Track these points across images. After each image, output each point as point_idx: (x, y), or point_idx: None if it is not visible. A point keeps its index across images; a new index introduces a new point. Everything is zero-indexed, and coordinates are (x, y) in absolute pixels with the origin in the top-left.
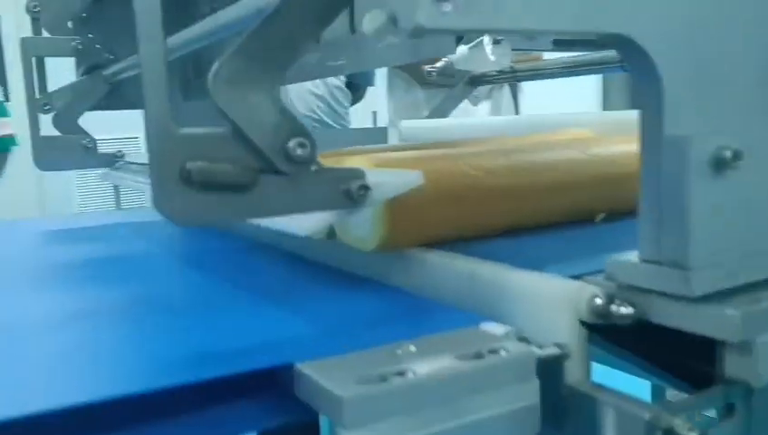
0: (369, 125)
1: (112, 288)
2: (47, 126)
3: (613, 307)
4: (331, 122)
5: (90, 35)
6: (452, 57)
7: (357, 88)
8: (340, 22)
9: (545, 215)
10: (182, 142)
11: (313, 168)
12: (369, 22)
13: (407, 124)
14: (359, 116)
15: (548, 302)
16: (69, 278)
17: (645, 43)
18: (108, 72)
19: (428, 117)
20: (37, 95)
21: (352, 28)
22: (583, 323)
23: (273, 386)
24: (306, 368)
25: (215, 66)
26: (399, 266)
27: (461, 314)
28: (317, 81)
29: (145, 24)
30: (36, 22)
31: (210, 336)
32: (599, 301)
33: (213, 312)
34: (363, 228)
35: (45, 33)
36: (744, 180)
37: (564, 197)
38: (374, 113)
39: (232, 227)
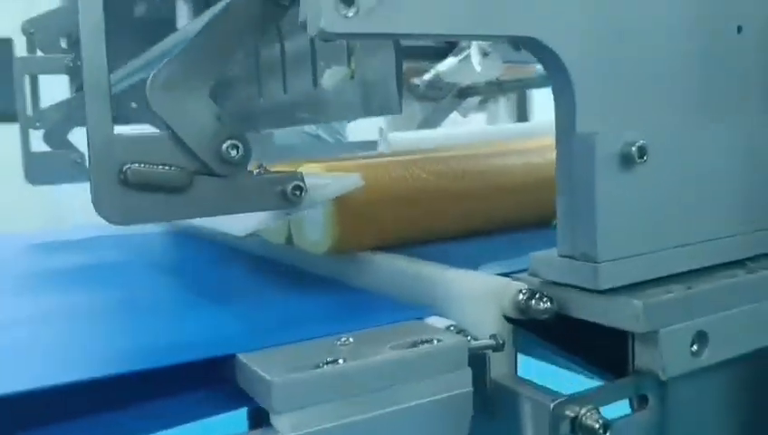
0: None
1: (78, 292)
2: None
3: (532, 302)
4: (326, 137)
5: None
6: (440, 69)
7: None
8: (306, 79)
9: (500, 218)
10: (120, 145)
11: (257, 171)
12: (329, 77)
13: (394, 136)
14: (364, 131)
15: (475, 298)
16: (35, 285)
17: (553, 44)
18: None
19: (417, 129)
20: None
21: (315, 82)
22: (509, 318)
23: (221, 377)
24: (246, 357)
25: (152, 73)
26: (352, 268)
27: (410, 310)
28: None
29: (88, 30)
30: (31, 41)
31: (167, 332)
32: (521, 296)
33: (174, 312)
34: (317, 232)
35: (39, 53)
36: (651, 176)
37: (517, 200)
38: (381, 129)
39: (212, 237)
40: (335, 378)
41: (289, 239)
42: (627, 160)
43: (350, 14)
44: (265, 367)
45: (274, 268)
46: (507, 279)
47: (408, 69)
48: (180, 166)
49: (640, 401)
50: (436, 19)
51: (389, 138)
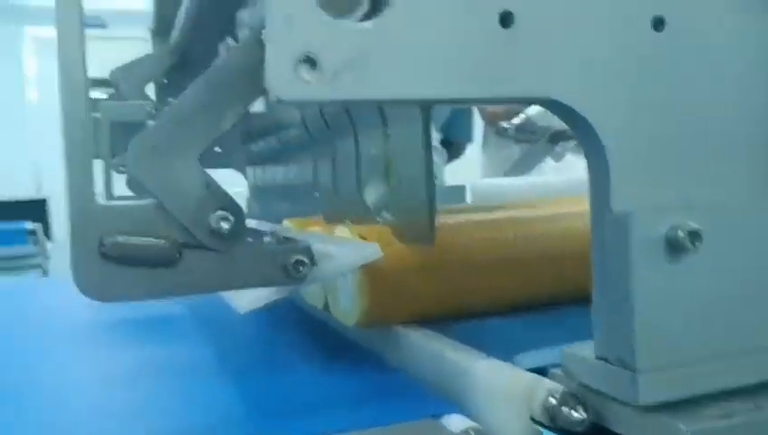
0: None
1: (92, 356)
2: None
3: (563, 410)
4: None
5: (170, 99)
6: (529, 113)
7: (451, 144)
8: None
9: (557, 290)
10: (101, 215)
11: (267, 239)
12: (369, 192)
13: (480, 184)
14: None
15: (500, 397)
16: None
17: (578, 107)
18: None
19: (506, 174)
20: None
21: (360, 193)
22: (538, 422)
23: None
24: None
25: (135, 137)
26: (384, 342)
27: (430, 404)
28: None
29: (67, 91)
30: (117, 89)
31: (150, 415)
32: (552, 401)
33: (175, 387)
34: (347, 302)
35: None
36: (707, 268)
37: (577, 270)
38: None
39: None
40: None
41: (326, 306)
42: (675, 248)
43: (312, 79)
44: None
45: (316, 334)
46: (538, 377)
47: (505, 110)
48: (167, 238)
49: None
50: (423, 81)
51: (476, 185)
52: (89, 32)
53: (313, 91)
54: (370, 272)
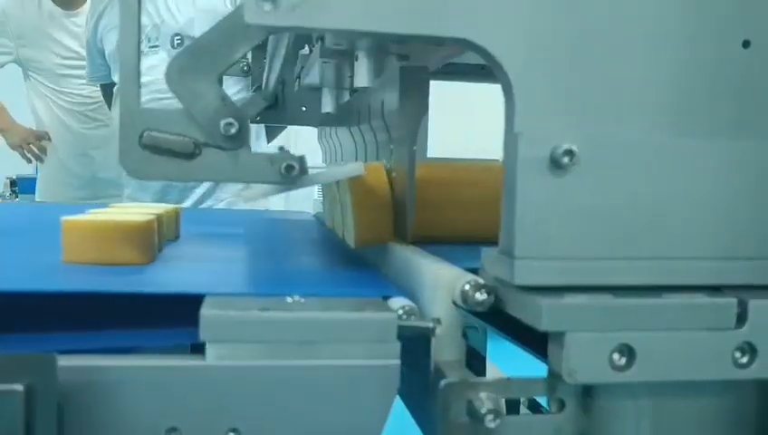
0: None
1: None
2: None
3: (473, 294)
4: None
5: (264, 59)
6: None
7: None
8: None
9: None
10: (144, 114)
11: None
12: None
13: None
14: None
15: (432, 286)
16: None
17: (489, 46)
18: (267, 90)
19: None
20: None
21: None
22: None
23: None
24: (210, 298)
25: (170, 61)
26: (375, 256)
27: (387, 289)
28: None
29: (126, 21)
30: None
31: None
32: (467, 287)
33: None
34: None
35: None
36: (581, 184)
37: None
38: None
39: None
40: (257, 323)
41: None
42: (556, 165)
43: (268, 9)
44: (211, 305)
45: (338, 250)
46: (463, 272)
47: None
48: (191, 137)
49: (559, 405)
50: (365, 16)
51: None
52: None
53: (271, 18)
54: (361, 207)
